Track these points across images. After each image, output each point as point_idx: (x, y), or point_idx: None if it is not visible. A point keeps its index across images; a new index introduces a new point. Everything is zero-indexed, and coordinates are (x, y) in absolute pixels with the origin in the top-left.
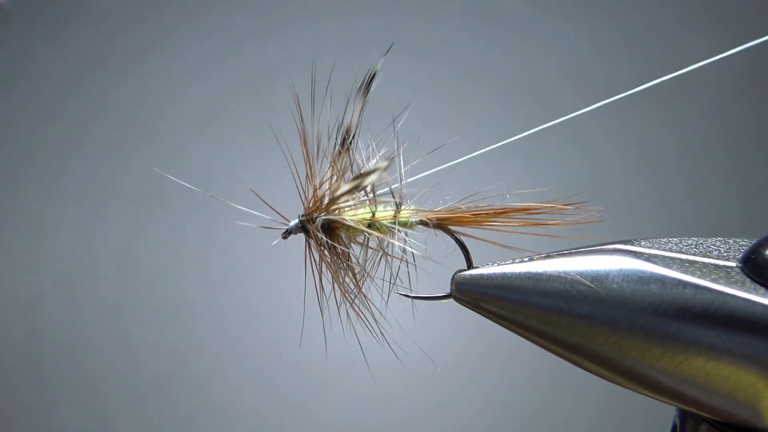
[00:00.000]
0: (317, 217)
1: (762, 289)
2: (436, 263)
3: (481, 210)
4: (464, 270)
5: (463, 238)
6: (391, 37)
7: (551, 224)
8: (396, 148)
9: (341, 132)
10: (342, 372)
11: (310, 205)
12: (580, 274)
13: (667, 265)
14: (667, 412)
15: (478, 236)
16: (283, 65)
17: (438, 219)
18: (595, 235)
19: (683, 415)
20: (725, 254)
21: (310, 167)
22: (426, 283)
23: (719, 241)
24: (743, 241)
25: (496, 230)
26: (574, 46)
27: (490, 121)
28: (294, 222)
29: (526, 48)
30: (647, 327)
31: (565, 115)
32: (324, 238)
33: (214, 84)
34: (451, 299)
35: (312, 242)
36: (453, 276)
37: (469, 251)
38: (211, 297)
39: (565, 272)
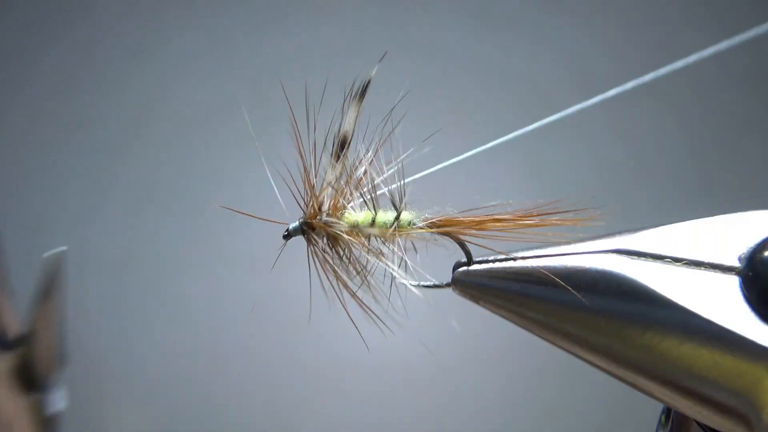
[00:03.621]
0: (318, 219)
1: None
2: (435, 260)
3: (481, 218)
4: (464, 261)
5: (462, 239)
6: (390, 38)
7: (548, 224)
8: (396, 152)
9: (337, 139)
10: (345, 371)
11: (310, 208)
12: (569, 275)
13: (659, 271)
14: None
15: (477, 243)
16: (282, 67)
17: (438, 224)
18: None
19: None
20: (724, 255)
21: (307, 174)
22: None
23: (718, 241)
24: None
25: (496, 237)
26: (573, 43)
27: (492, 120)
28: (294, 224)
29: (526, 45)
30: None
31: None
32: (327, 232)
33: (213, 86)
34: (451, 289)
35: (313, 243)
36: (453, 266)
37: (468, 247)
38: (212, 296)
39: (554, 268)
